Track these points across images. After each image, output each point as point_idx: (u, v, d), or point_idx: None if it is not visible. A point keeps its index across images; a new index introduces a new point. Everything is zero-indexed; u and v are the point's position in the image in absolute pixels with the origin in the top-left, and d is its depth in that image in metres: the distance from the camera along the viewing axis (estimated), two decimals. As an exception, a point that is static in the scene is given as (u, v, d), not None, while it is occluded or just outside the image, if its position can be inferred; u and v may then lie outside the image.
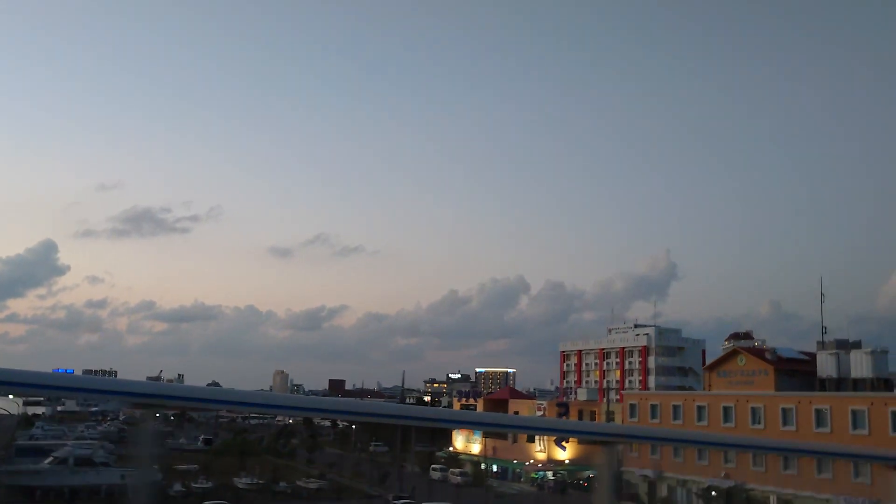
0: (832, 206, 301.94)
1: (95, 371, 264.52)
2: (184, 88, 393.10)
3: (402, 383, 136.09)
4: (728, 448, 44.35)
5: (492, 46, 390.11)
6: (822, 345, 68.92)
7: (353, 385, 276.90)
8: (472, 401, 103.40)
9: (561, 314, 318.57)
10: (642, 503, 70.98)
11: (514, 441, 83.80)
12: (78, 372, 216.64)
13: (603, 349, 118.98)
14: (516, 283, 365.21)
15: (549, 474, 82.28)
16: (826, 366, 65.30)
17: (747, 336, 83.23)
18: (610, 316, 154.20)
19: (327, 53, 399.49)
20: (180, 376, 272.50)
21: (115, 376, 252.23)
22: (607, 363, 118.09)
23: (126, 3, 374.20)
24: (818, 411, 61.31)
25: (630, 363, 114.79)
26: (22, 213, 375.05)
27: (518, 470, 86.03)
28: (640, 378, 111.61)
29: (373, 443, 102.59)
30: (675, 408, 72.54)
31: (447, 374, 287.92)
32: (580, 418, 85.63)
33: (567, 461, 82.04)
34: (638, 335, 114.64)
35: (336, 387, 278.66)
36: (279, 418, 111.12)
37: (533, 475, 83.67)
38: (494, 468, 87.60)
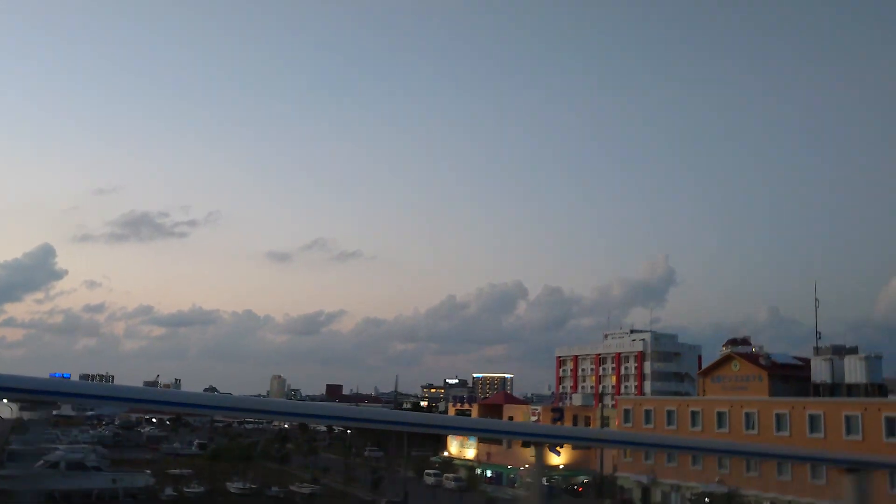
0: (831, 211, 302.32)
1: (92, 376, 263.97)
2: (182, 92, 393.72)
3: (396, 388, 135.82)
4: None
5: (488, 53, 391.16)
6: (817, 350, 68.86)
7: (351, 390, 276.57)
8: (466, 406, 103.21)
9: (559, 320, 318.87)
10: (636, 509, 70.80)
11: (509, 446, 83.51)
12: (75, 376, 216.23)
13: (599, 354, 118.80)
14: (514, 288, 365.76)
15: (544, 480, 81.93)
16: (820, 371, 65.23)
17: (745, 342, 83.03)
18: (608, 322, 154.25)
19: (325, 58, 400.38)
20: (177, 381, 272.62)
21: (112, 381, 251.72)
22: (603, 368, 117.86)
23: (125, 7, 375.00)
24: (812, 417, 61.16)
25: (626, 368, 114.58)
26: (20, 217, 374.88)
27: (512, 475, 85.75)
28: (636, 383, 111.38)
29: (368, 448, 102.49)
30: (670, 413, 72.41)
31: (444, 380, 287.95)
32: (575, 424, 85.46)
33: (561, 466, 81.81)
34: (634, 340, 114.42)
35: (333, 392, 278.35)
36: (275, 423, 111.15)
37: (527, 480, 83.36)
38: (489, 473, 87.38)
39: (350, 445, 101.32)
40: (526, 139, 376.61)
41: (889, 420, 56.57)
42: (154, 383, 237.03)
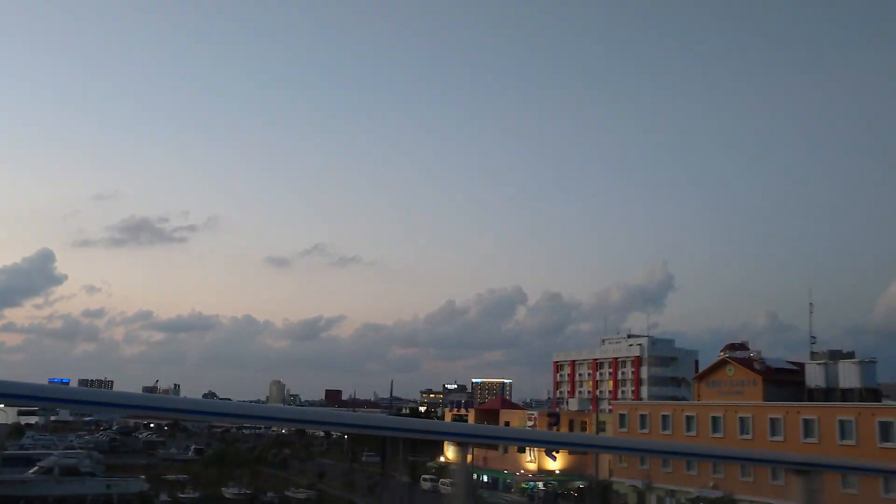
0: (830, 217, 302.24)
1: (91, 381, 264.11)
2: (181, 98, 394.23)
3: (391, 393, 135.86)
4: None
5: (485, 59, 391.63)
6: (815, 355, 68.88)
7: (350, 395, 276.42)
8: (463, 411, 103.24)
9: (558, 325, 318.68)
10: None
11: (505, 451, 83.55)
12: (74, 382, 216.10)
13: (596, 359, 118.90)
14: (514, 293, 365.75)
15: (540, 485, 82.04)
16: (814, 375, 65.24)
17: (742, 347, 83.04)
18: (605, 326, 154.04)
19: (325, 64, 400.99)
20: (176, 386, 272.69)
21: (112, 386, 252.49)
22: (600, 373, 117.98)
23: (123, 14, 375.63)
24: (806, 421, 61.16)
25: (623, 373, 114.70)
26: (19, 222, 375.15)
27: (509, 480, 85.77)
28: (633, 388, 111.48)
29: (365, 453, 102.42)
30: (665, 418, 72.38)
31: (443, 385, 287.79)
32: (571, 429, 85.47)
33: (557, 471, 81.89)
34: (631, 345, 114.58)
35: (332, 397, 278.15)
36: (273, 428, 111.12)
37: (523, 485, 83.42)
38: (485, 478, 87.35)
39: (348, 450, 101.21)
40: (525, 145, 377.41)
41: (883, 425, 56.56)
42: (153, 389, 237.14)
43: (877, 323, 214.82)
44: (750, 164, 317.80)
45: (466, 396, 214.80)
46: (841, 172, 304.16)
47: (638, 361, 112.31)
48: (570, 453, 79.41)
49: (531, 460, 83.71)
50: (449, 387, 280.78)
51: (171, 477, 72.98)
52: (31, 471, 60.93)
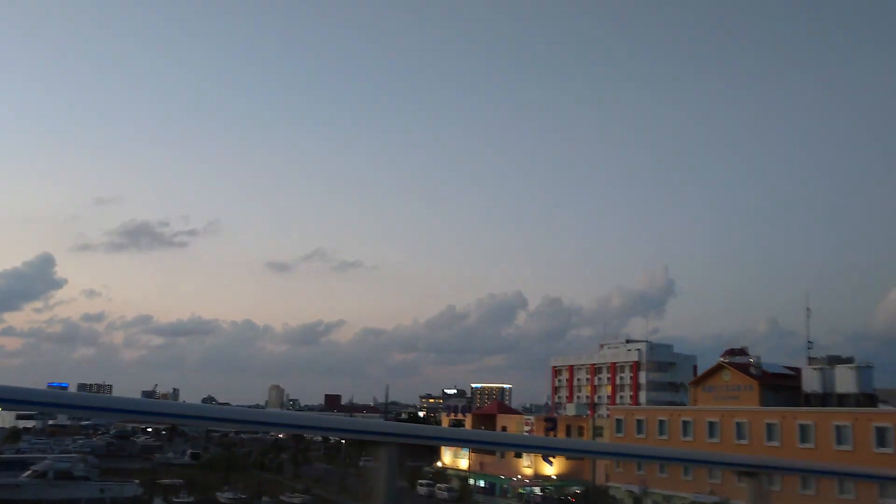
0: (832, 222, 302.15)
1: (90, 385, 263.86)
2: (182, 102, 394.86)
3: (386, 398, 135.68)
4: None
5: (491, 62, 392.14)
6: (813, 360, 68.64)
7: (349, 400, 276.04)
8: (460, 416, 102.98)
9: (558, 330, 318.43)
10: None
11: (502, 456, 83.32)
12: (73, 386, 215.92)
13: (594, 364, 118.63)
14: (514, 298, 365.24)
15: (537, 490, 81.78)
16: (811, 381, 65.06)
17: (742, 352, 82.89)
18: (604, 331, 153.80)
19: (325, 68, 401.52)
20: (175, 390, 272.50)
21: (111, 391, 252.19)
22: (598, 378, 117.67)
23: (123, 18, 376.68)
24: (802, 427, 60.91)
25: (621, 378, 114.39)
26: (19, 226, 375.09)
27: (505, 486, 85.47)
28: (632, 393, 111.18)
29: (362, 457, 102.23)
30: (661, 423, 72.14)
31: (443, 390, 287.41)
32: (568, 434, 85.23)
33: (554, 476, 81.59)
34: (629, 350, 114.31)
35: (332, 402, 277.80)
36: (271, 433, 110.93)
37: (520, 491, 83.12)
38: (482, 483, 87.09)
39: (345, 455, 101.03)
40: (526, 151, 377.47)
41: (879, 430, 56.32)
42: (152, 393, 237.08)
43: (877, 329, 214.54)
44: (751, 170, 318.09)
45: (466, 401, 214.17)
46: (843, 177, 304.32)
47: (636, 366, 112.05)
48: (566, 458, 79.16)
49: (528, 465, 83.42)
50: (448, 392, 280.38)
51: (165, 481, 72.79)
52: (24, 475, 60.78)
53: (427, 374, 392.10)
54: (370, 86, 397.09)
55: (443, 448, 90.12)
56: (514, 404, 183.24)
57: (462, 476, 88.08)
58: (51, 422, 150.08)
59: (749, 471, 5.43)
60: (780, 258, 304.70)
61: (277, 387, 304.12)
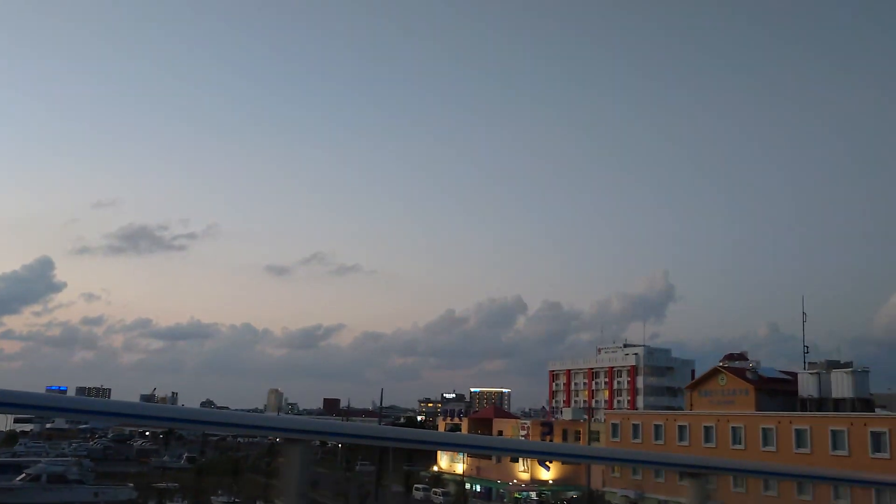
0: (832, 228, 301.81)
1: (89, 389, 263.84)
2: (181, 106, 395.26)
3: (381, 402, 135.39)
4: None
5: (485, 67, 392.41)
6: (805, 364, 68.47)
7: (346, 404, 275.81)
8: (457, 420, 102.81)
9: (558, 334, 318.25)
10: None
11: (498, 461, 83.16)
12: (72, 389, 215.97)
13: (592, 369, 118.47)
14: (514, 303, 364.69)
15: (533, 495, 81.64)
16: (807, 385, 64.86)
17: (742, 357, 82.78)
18: (601, 336, 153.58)
19: (323, 71, 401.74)
20: (174, 394, 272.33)
21: (109, 394, 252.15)
22: (596, 383, 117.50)
23: (121, 21, 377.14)
24: (798, 431, 60.73)
25: (619, 383, 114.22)
26: (18, 229, 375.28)
27: (501, 490, 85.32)
28: (629, 398, 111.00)
29: (360, 462, 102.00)
30: (657, 427, 71.93)
31: (442, 394, 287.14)
32: (564, 439, 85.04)
33: (550, 481, 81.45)
34: (627, 355, 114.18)
35: (331, 406, 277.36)
36: (269, 436, 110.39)
37: (516, 495, 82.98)
38: (478, 488, 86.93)
39: (342, 459, 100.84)
40: (526, 154, 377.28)
41: (875, 435, 56.16)
42: (151, 397, 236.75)
43: (878, 334, 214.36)
44: (751, 174, 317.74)
45: (465, 406, 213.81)
46: (844, 180, 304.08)
47: (634, 371, 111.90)
48: (562, 463, 79.01)
49: (524, 470, 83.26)
50: (447, 396, 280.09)
51: (160, 485, 72.59)
52: (18, 478, 60.66)
53: (426, 378, 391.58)
54: (369, 90, 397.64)
55: (439, 452, 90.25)
56: (514, 409, 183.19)
57: (458, 480, 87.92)
58: (48, 425, 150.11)
59: (692, 471, 5.46)
60: (781, 263, 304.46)
61: (276, 391, 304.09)
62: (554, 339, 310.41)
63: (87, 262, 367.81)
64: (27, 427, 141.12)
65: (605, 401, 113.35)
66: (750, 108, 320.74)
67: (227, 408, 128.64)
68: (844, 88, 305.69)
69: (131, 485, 66.00)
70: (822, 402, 63.30)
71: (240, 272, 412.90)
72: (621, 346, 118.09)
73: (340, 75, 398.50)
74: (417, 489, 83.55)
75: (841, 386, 62.82)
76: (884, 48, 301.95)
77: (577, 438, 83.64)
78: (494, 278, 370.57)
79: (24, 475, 61.01)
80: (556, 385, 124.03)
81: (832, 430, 58.58)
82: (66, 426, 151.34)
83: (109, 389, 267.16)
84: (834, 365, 66.32)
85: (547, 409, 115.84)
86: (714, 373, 71.11)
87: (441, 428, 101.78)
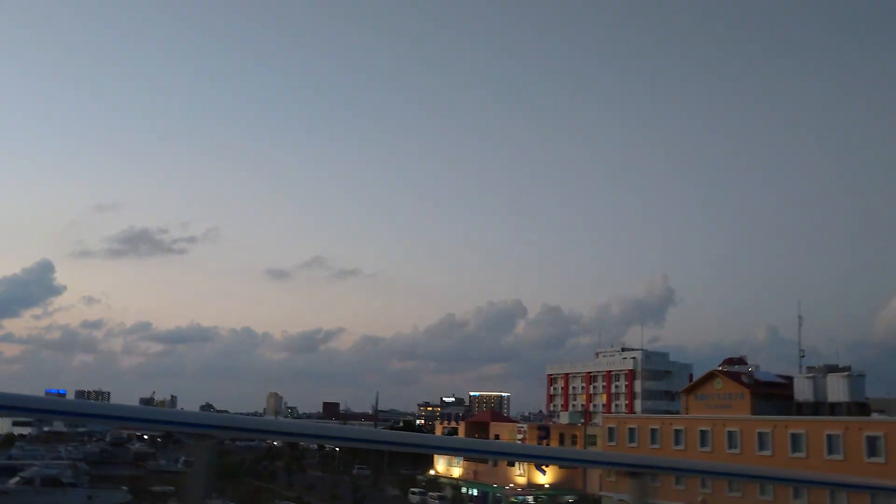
0: (833, 231, 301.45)
1: (88, 392, 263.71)
2: (182, 109, 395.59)
3: (376, 405, 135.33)
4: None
5: (485, 72, 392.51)
6: (801, 368, 68.31)
7: (345, 408, 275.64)
8: (454, 424, 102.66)
9: (558, 338, 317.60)
10: (620, 528, 70.13)
11: (495, 465, 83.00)
12: (71, 393, 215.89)
13: (590, 373, 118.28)
14: (513, 306, 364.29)
15: (530, 499, 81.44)
16: (803, 389, 64.73)
17: (741, 361, 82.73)
18: (599, 339, 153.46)
19: (325, 74, 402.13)
20: (173, 398, 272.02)
21: (109, 398, 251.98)
22: (594, 387, 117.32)
23: (123, 24, 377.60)
24: (794, 435, 60.57)
25: (616, 387, 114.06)
26: (19, 232, 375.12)
27: (498, 494, 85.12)
28: (627, 402, 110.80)
29: (356, 465, 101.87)
30: (653, 431, 71.74)
31: (441, 398, 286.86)
32: (561, 442, 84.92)
33: (547, 485, 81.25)
34: (625, 359, 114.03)
35: (330, 409, 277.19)
36: (266, 440, 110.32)
37: (513, 499, 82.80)
38: (475, 492, 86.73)
39: (339, 463, 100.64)
40: (525, 158, 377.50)
41: (870, 439, 56.00)
42: (150, 400, 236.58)
43: (878, 338, 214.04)
44: (752, 177, 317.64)
45: (464, 410, 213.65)
46: (844, 183, 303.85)
47: (631, 375, 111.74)
48: (559, 467, 78.85)
49: (521, 474, 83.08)
50: (447, 400, 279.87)
51: (155, 489, 72.37)
52: (11, 481, 60.47)
53: (426, 382, 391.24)
54: (369, 93, 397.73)
55: (436, 456, 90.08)
56: (513, 413, 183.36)
57: (455, 484, 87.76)
58: (46, 428, 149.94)
59: (633, 471, 5.52)
60: (781, 267, 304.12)
61: (276, 394, 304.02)
62: (554, 343, 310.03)
63: (87, 265, 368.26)
64: (25, 430, 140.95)
65: (603, 405, 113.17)
66: (747, 114, 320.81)
67: (226, 411, 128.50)
68: (842, 91, 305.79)
69: (125, 488, 65.79)
70: (819, 407, 63.16)
71: (240, 276, 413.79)
72: (619, 350, 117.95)
73: (341, 81, 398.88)
74: (413, 493, 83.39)
75: (837, 390, 62.71)
76: (874, 54, 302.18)
77: (574, 442, 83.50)
78: (494, 282, 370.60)
79: (17, 478, 60.82)
80: (554, 389, 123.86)
81: (828, 435, 58.43)
82: (65, 429, 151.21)
83: (109, 393, 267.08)
84: (832, 369, 66.21)
85: (544, 412, 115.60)
86: (710, 377, 70.98)
87: (438, 432, 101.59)
